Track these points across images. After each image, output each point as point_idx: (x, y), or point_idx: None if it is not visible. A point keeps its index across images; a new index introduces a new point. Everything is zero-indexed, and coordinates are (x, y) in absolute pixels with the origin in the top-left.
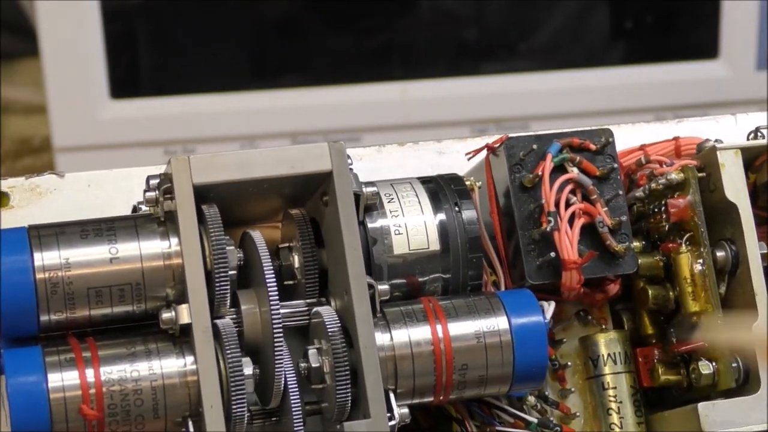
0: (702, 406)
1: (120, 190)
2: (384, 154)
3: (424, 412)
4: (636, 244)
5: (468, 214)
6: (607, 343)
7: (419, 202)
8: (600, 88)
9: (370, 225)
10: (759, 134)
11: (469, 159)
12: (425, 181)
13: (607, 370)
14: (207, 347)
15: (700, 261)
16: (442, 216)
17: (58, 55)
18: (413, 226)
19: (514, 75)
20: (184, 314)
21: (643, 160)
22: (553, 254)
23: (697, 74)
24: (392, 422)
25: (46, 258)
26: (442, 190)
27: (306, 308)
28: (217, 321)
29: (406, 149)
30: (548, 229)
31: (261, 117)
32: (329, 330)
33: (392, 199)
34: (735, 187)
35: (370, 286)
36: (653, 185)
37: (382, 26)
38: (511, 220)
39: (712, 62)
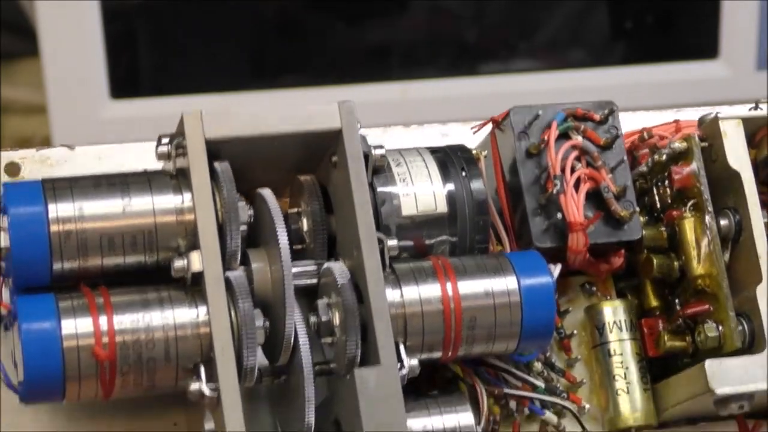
0: (709, 363)
1: (130, 163)
2: (389, 134)
3: (428, 384)
4: (640, 219)
5: (475, 178)
6: (613, 311)
7: (426, 167)
8: (600, 88)
9: (378, 187)
10: (759, 108)
11: (474, 133)
12: (433, 150)
13: (612, 337)
14: (219, 292)
15: (704, 226)
16: (449, 180)
17: (58, 55)
18: (421, 188)
19: (514, 75)
20: (195, 261)
21: (646, 135)
22: (559, 215)
23: (697, 74)
24: (402, 371)
25: (60, 207)
26: (449, 157)
27: (315, 268)
28: (229, 273)
29: (411, 131)
30: (554, 192)
31: None
32: (340, 282)
33: (400, 163)
34: (737, 154)
35: (380, 241)
36: (656, 157)
37: (381, 26)
38: (517, 193)
39: (712, 62)
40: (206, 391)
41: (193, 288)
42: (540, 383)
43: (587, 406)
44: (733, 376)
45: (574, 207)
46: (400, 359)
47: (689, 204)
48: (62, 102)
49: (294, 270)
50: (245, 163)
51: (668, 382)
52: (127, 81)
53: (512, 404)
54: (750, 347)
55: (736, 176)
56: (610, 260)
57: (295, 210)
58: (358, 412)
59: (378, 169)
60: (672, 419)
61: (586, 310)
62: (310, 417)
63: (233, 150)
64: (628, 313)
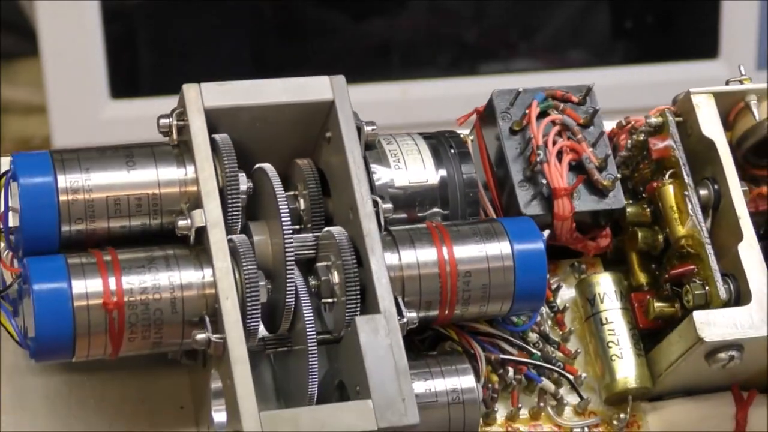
0: (697, 314)
1: None
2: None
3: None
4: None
5: (464, 155)
6: (603, 282)
7: (416, 144)
8: (600, 88)
9: (371, 164)
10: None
11: (460, 124)
12: (425, 136)
13: (603, 306)
14: (221, 239)
15: (683, 190)
16: (439, 158)
17: (58, 55)
18: (412, 161)
19: (514, 75)
20: (198, 217)
21: (624, 122)
22: (544, 182)
23: (697, 74)
24: (402, 320)
25: (68, 173)
26: (438, 138)
27: (314, 241)
28: (233, 236)
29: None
30: (538, 161)
31: None
32: (338, 239)
33: (391, 142)
34: (710, 124)
35: (375, 203)
36: (635, 137)
37: (382, 26)
38: (502, 178)
39: (712, 62)
40: (213, 338)
41: (197, 248)
42: (536, 351)
43: (584, 374)
44: (720, 324)
45: (558, 174)
46: (399, 310)
47: (668, 173)
48: (62, 102)
49: (294, 243)
50: (246, 146)
51: (660, 345)
52: (127, 81)
53: (510, 373)
54: (736, 305)
55: (711, 146)
56: (597, 239)
57: (293, 193)
58: (361, 361)
59: (370, 144)
60: (668, 389)
61: (577, 286)
62: (313, 382)
63: (233, 129)
64: (617, 284)
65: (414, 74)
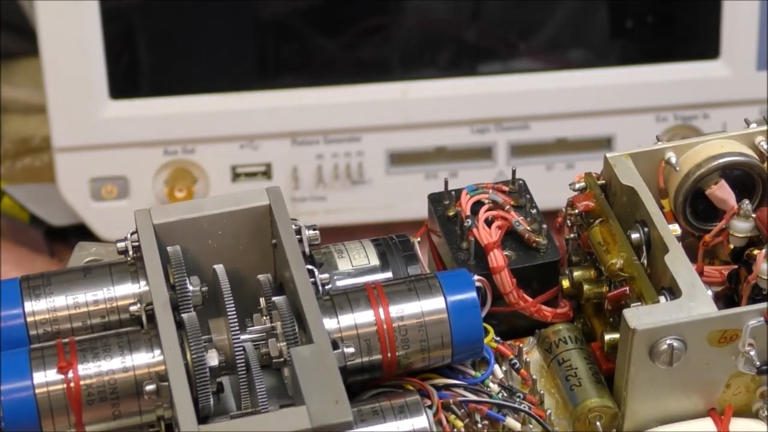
0: (626, 310)
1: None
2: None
3: None
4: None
5: (403, 242)
6: (557, 332)
7: (362, 244)
8: (600, 88)
9: (316, 257)
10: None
11: (415, 240)
12: (371, 240)
13: (559, 350)
14: (163, 305)
15: (610, 227)
16: (381, 251)
17: (58, 55)
18: (356, 254)
19: (514, 75)
20: (146, 297)
21: (564, 209)
22: (473, 240)
23: (697, 74)
24: (337, 350)
25: (33, 299)
26: (383, 239)
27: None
28: (183, 314)
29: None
30: (467, 227)
31: (261, 117)
32: (277, 302)
33: (337, 244)
34: (628, 175)
35: (311, 273)
36: (569, 211)
37: (381, 27)
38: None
39: (712, 62)
40: (160, 385)
41: (150, 331)
42: (497, 394)
43: (550, 410)
44: (650, 314)
45: (486, 233)
46: (334, 344)
47: (597, 221)
48: (62, 102)
49: (251, 336)
50: (206, 254)
51: (616, 368)
52: (127, 81)
53: (477, 419)
54: None
55: (632, 192)
56: (556, 307)
57: (259, 307)
58: (297, 382)
59: (313, 246)
60: (642, 422)
61: (538, 344)
62: None
63: (187, 241)
64: (572, 331)
65: (414, 74)
